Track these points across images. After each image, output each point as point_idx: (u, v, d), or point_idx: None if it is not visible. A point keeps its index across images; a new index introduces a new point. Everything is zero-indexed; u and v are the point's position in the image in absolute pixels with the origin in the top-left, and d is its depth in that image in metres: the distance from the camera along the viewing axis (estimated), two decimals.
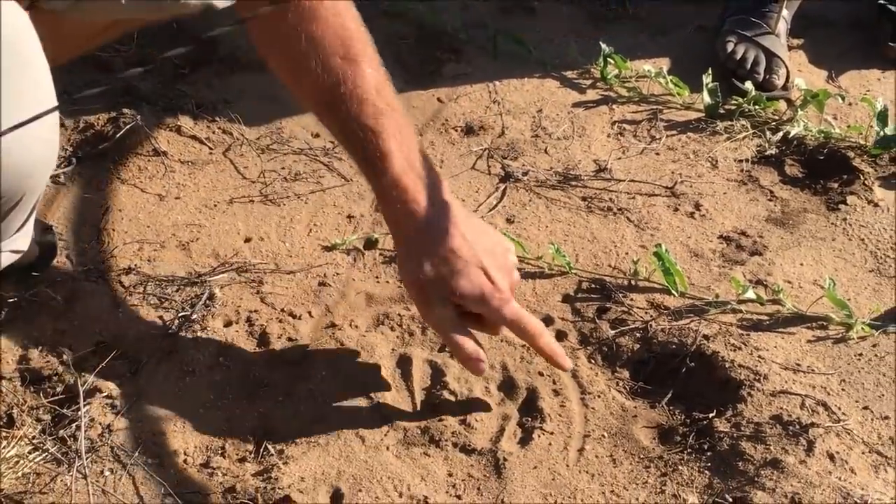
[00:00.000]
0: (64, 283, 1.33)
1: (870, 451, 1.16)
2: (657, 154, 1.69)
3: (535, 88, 1.84)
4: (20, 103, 0.71)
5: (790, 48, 1.96)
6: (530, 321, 1.16)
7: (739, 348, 1.29)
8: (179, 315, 1.30)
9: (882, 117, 1.69)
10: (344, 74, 1.09)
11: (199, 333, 1.28)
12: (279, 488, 1.10)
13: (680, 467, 1.15)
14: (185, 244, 1.42)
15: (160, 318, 1.30)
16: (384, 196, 1.12)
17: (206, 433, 1.17)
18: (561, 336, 1.32)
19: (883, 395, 1.24)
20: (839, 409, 1.21)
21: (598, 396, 1.24)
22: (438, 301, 1.12)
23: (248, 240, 1.44)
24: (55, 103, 0.75)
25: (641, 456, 1.17)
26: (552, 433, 1.19)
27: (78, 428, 1.14)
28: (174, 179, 1.55)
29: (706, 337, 1.30)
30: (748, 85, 1.80)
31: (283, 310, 1.33)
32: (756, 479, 1.12)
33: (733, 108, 1.78)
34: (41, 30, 0.98)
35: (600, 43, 1.87)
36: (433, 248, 1.10)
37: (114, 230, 1.44)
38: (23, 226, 0.81)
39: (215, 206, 1.50)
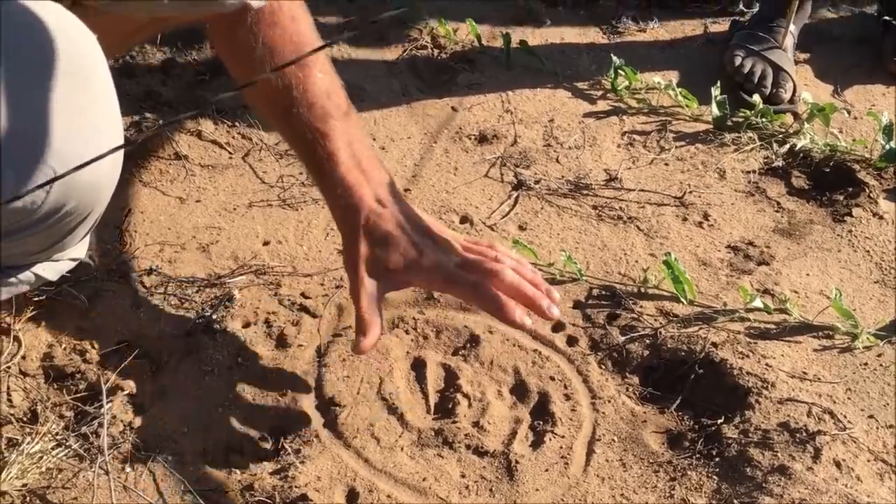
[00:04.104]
0: (87, 282, 1.35)
1: (875, 459, 1.19)
2: (666, 164, 1.72)
3: (546, 99, 1.87)
4: (86, 119, 0.73)
5: (797, 62, 1.99)
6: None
7: (747, 356, 1.31)
8: (199, 316, 1.33)
9: (887, 131, 1.72)
10: (296, 79, 1.11)
11: (218, 334, 1.31)
12: (296, 487, 1.13)
13: (689, 472, 1.18)
14: (205, 246, 1.45)
15: (181, 318, 1.33)
16: (330, 194, 1.15)
17: (224, 432, 1.20)
18: (572, 341, 1.35)
19: (888, 403, 1.27)
20: (845, 417, 1.24)
21: (609, 401, 1.27)
22: (368, 275, 1.14)
23: (266, 243, 1.47)
24: (118, 115, 0.77)
25: (651, 460, 1.20)
26: (563, 437, 1.22)
27: (100, 425, 1.17)
28: (195, 183, 1.58)
29: (714, 344, 1.33)
30: (756, 98, 1.83)
31: (300, 312, 1.35)
32: (764, 485, 1.15)
33: (741, 120, 1.81)
34: (90, 28, 1.00)
35: (611, 55, 1.90)
36: (372, 234, 1.13)
37: (135, 232, 1.46)
38: (84, 236, 0.84)
39: (235, 209, 1.53)
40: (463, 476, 1.17)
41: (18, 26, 0.71)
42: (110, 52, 1.17)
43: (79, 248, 0.85)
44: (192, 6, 1.03)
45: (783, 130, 1.79)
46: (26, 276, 0.82)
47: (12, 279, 0.81)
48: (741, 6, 2.19)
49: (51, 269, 0.84)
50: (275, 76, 1.06)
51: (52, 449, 1.15)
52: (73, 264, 0.88)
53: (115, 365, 1.25)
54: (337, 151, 1.12)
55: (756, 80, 1.87)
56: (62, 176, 0.65)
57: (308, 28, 1.15)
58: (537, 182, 1.64)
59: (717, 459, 1.19)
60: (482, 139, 1.74)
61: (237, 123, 1.70)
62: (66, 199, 0.73)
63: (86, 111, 0.73)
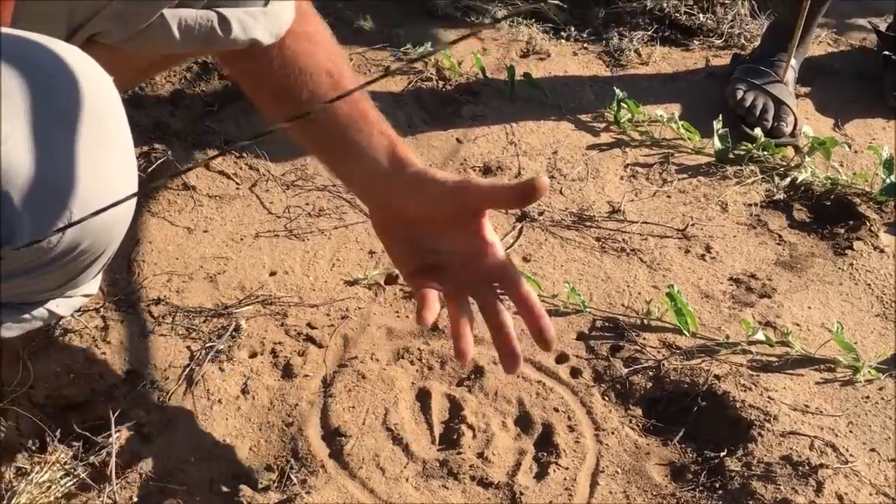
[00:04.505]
0: (95, 312, 1.37)
1: (877, 493, 1.20)
2: (669, 197, 1.73)
3: (550, 131, 1.89)
4: (103, 162, 0.75)
5: (798, 96, 2.01)
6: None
7: (750, 389, 1.32)
8: (206, 345, 1.34)
9: (888, 165, 1.73)
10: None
11: (225, 364, 1.32)
12: None
13: None
14: (213, 276, 1.46)
15: (188, 348, 1.34)
16: (387, 171, 1.06)
17: (231, 461, 1.21)
18: (576, 373, 1.36)
19: (889, 437, 1.28)
20: (847, 450, 1.25)
21: (612, 433, 1.28)
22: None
23: (273, 273, 1.49)
24: (133, 157, 0.79)
25: (654, 493, 1.20)
26: (567, 468, 1.23)
27: (108, 454, 1.17)
28: (202, 213, 1.59)
29: (717, 377, 1.34)
30: (757, 131, 1.85)
31: (306, 342, 1.37)
32: None
33: (743, 153, 1.83)
34: (101, 65, 1.01)
35: (614, 88, 1.92)
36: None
37: (144, 262, 1.48)
38: (97, 273, 0.85)
39: (242, 239, 1.55)
40: None
41: (36, 68, 0.73)
42: (121, 88, 1.18)
43: (91, 285, 0.87)
44: (202, 44, 1.06)
45: (784, 164, 1.81)
46: (40, 312, 0.83)
47: (26, 315, 0.82)
48: (742, 40, 2.21)
49: (64, 306, 0.85)
50: (309, 112, 1.05)
51: (61, 478, 1.15)
52: (85, 300, 0.89)
53: (123, 394, 1.26)
54: (399, 141, 1.09)
55: (758, 113, 1.90)
56: (79, 221, 0.67)
57: (335, 44, 1.14)
58: (541, 214, 1.66)
59: (720, 492, 1.20)
60: (487, 171, 1.76)
61: (244, 154, 1.72)
62: (81, 239, 0.74)
63: (103, 154, 0.74)
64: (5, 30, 0.77)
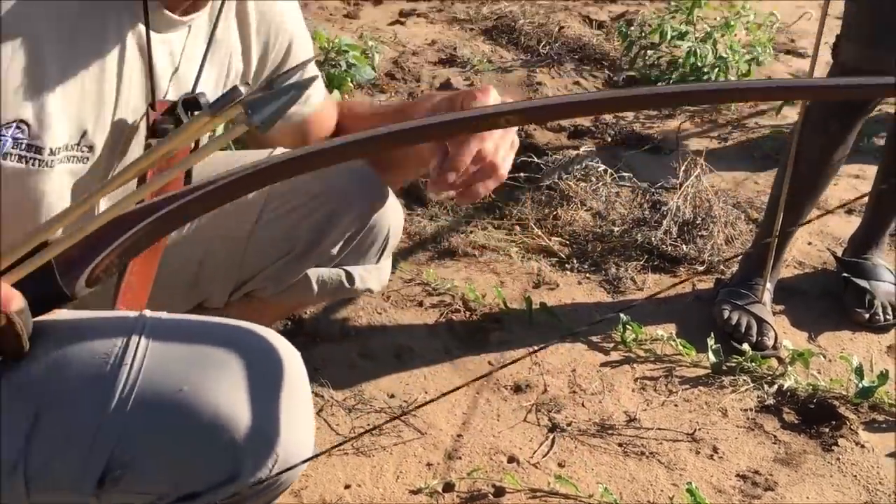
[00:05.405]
0: None
1: None
2: (676, 405, 2.01)
3: (567, 351, 2.19)
4: (298, 415, 1.02)
5: (774, 314, 2.34)
6: None
7: None
8: None
9: (859, 372, 2.04)
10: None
11: None
12: None
13: None
14: (297, 492, 1.70)
15: None
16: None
17: None
18: None
19: None
20: None
21: None
22: None
23: (347, 486, 1.72)
24: (312, 414, 1.07)
25: None
26: None
27: None
28: None
29: None
30: (745, 346, 2.16)
31: None
32: None
33: (734, 365, 2.13)
34: (251, 312, 1.34)
35: (619, 314, 2.24)
36: None
37: None
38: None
39: (316, 458, 1.79)
40: None
41: (257, 351, 1.03)
42: (270, 324, 1.50)
43: None
44: (331, 296, 1.39)
45: (771, 373, 2.11)
46: None
47: None
48: (721, 266, 2.57)
49: None
50: None
51: None
52: None
53: None
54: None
55: (743, 330, 2.21)
56: (291, 469, 0.95)
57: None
58: (569, 424, 1.92)
59: None
60: (517, 389, 2.04)
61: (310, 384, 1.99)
62: (280, 476, 1.01)
63: (295, 412, 1.03)
64: (231, 320, 1.08)
